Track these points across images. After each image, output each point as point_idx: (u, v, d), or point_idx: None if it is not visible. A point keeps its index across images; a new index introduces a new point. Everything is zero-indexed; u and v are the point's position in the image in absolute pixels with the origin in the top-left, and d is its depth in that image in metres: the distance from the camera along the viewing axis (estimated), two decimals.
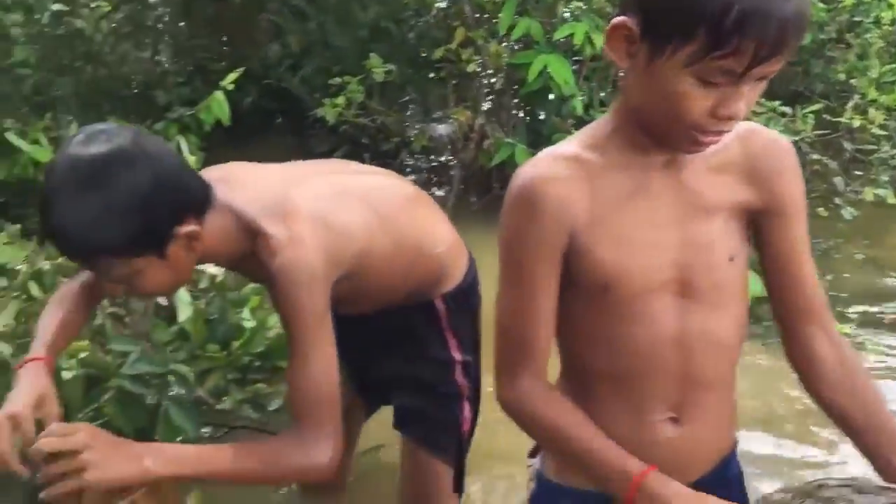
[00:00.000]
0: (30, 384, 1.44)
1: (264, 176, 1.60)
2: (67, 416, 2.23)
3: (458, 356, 1.78)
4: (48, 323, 1.58)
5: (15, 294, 2.63)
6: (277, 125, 5.07)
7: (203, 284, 2.93)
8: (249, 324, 2.70)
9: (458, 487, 1.91)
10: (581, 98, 3.87)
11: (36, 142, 3.54)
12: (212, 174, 1.60)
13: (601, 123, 1.14)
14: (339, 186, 1.64)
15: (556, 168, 1.09)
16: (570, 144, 1.13)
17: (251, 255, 1.46)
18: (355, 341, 1.59)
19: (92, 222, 1.29)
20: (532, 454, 1.36)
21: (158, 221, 1.34)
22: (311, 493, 2.09)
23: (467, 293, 1.78)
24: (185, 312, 2.67)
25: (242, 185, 1.54)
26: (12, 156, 3.65)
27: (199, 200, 1.41)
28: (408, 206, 1.70)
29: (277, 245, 1.42)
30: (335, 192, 1.60)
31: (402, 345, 1.78)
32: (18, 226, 2.89)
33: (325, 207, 1.53)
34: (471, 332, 1.81)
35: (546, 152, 1.13)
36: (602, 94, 4.15)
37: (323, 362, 1.43)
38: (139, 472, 1.28)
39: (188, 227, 1.38)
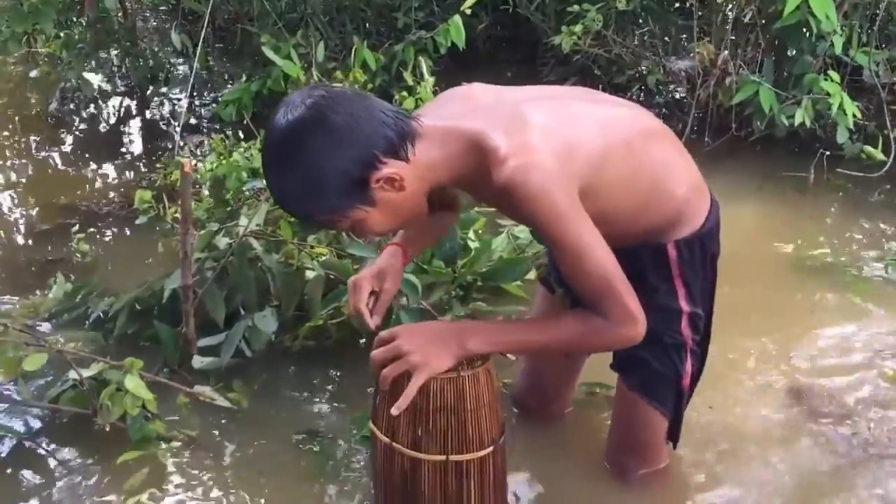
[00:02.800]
0: (380, 261, 1.75)
1: (501, 95, 1.60)
2: (310, 311, 2.43)
3: (685, 307, 1.70)
4: None
5: (266, 197, 2.85)
6: (506, 53, 5.06)
7: None
8: (474, 244, 2.77)
9: (673, 438, 1.87)
10: (840, 36, 3.55)
11: (288, 57, 3.76)
12: (453, 93, 1.66)
13: None
14: (576, 108, 1.61)
15: None
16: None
17: (480, 173, 1.45)
18: None
19: (290, 198, 1.42)
20: None
21: (346, 179, 1.38)
22: (526, 414, 2.13)
23: (704, 241, 1.69)
24: None
25: (477, 103, 1.56)
26: (266, 69, 3.93)
27: (390, 143, 1.40)
28: (650, 139, 1.62)
29: (506, 154, 1.42)
30: (570, 111, 1.58)
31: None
32: None
33: (557, 121, 1.50)
34: (703, 282, 1.72)
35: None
36: (861, 34, 3.78)
37: (598, 246, 1.46)
38: (460, 356, 1.51)
39: (383, 172, 1.40)
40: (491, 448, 1.62)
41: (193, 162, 3.20)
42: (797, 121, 3.57)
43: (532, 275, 2.67)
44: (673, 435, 1.86)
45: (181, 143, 3.92)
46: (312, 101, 1.37)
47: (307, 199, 1.41)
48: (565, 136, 1.48)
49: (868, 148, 3.64)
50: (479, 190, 1.53)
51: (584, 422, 2.13)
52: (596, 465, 1.94)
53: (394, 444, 1.60)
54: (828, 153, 3.67)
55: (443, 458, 1.58)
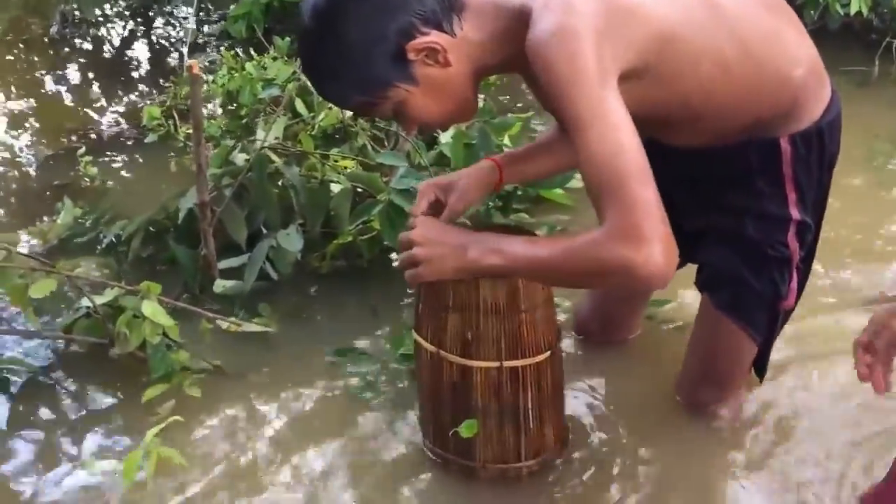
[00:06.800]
0: (460, 171, 1.59)
1: None
2: (338, 228, 2.24)
3: (796, 214, 1.46)
4: (521, 147, 1.71)
5: (284, 111, 2.64)
6: None
7: None
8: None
9: (760, 371, 1.65)
10: None
11: None
12: None
13: None
14: None
15: None
16: None
17: (522, 45, 1.24)
18: (674, 182, 1.33)
19: (326, 75, 1.30)
20: None
21: (384, 49, 1.25)
22: (587, 339, 1.93)
23: (823, 136, 1.43)
24: (445, 136, 2.57)
25: None
26: None
27: (431, 10, 1.25)
28: (757, 11, 1.37)
29: (539, 12, 1.21)
30: None
31: (731, 192, 1.48)
32: (287, 39, 2.86)
33: None
34: (818, 188, 1.48)
35: None
36: None
37: (622, 125, 1.15)
38: (463, 266, 1.30)
39: (423, 40, 1.25)
40: (548, 353, 1.47)
41: (204, 78, 2.98)
42: (853, 9, 3.30)
43: (577, 182, 2.46)
44: (760, 364, 1.63)
45: (189, 62, 3.69)
46: None
47: (344, 75, 1.27)
48: (618, 3, 1.23)
49: None
50: (527, 70, 1.30)
51: (652, 347, 1.91)
52: (663, 394, 1.74)
53: (441, 352, 1.45)
54: (885, 44, 3.40)
55: (496, 364, 1.43)
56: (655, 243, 1.12)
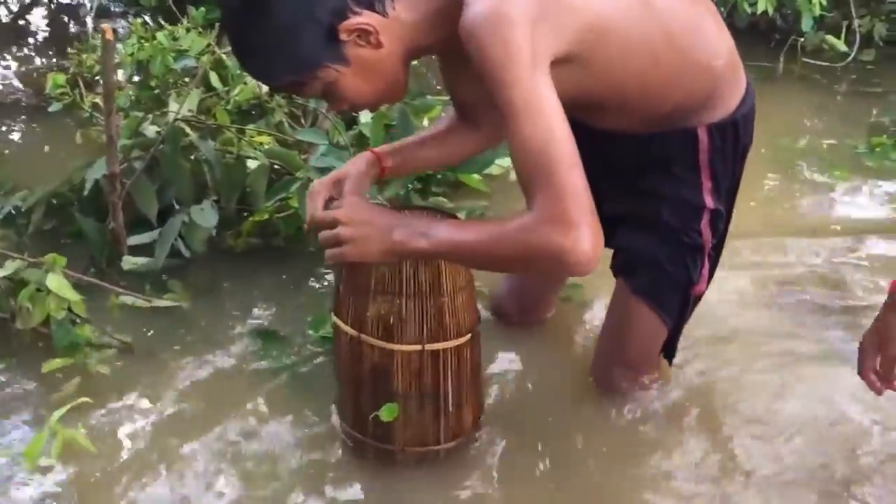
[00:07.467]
0: (343, 167, 1.53)
1: None
2: (253, 205, 2.19)
3: (709, 203, 1.51)
4: (409, 137, 1.67)
5: (197, 85, 2.56)
6: None
7: None
8: None
9: (669, 354, 1.70)
10: None
11: None
12: None
13: None
14: None
15: None
16: None
17: (456, 27, 1.23)
18: (597, 167, 1.33)
19: (253, 53, 1.26)
20: None
21: (315, 28, 1.22)
22: (503, 321, 1.94)
23: (738, 128, 1.48)
24: (365, 115, 2.54)
25: None
26: None
27: None
28: (682, 3, 1.41)
29: None
30: None
31: (649, 177, 1.51)
32: (203, 9, 2.77)
33: None
34: (731, 177, 1.54)
35: None
36: None
37: (552, 111, 1.17)
38: (389, 248, 1.28)
39: (355, 21, 1.23)
40: (469, 336, 1.48)
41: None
42: (759, 8, 3.43)
43: (496, 169, 2.47)
44: (669, 348, 1.68)
45: (94, 27, 3.53)
46: None
47: (272, 54, 1.24)
48: None
49: (830, 38, 3.53)
50: (459, 54, 1.28)
51: (566, 328, 1.94)
52: (577, 375, 1.78)
53: (362, 336, 1.43)
54: (789, 43, 3.55)
55: (418, 348, 1.42)
56: (583, 229, 1.14)
